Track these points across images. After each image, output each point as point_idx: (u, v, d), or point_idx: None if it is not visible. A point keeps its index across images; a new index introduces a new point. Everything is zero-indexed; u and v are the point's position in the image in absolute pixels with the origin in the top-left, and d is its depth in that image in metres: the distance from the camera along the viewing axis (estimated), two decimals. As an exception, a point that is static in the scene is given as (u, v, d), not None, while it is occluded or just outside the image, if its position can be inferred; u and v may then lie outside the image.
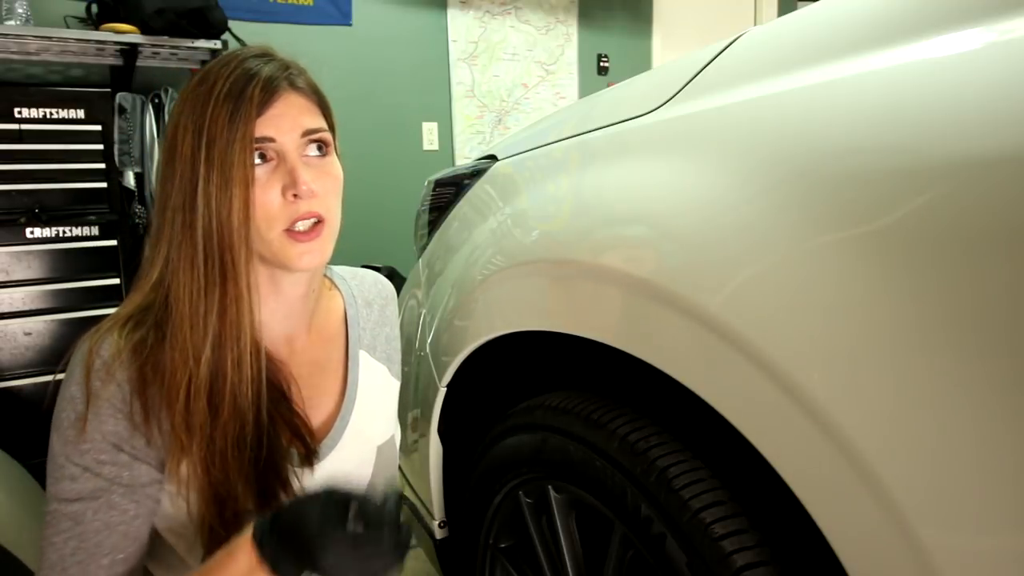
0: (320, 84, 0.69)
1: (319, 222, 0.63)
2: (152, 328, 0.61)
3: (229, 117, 0.59)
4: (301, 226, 0.62)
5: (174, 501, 0.61)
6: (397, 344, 0.85)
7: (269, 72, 0.62)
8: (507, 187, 0.89)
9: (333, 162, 0.66)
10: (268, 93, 0.61)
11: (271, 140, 0.61)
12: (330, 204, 0.64)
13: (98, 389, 0.58)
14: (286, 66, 0.64)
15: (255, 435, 0.61)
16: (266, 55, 0.65)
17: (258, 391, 0.62)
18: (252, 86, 0.60)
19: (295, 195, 0.61)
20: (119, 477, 0.58)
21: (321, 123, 0.65)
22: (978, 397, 0.36)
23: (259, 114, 0.60)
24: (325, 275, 0.78)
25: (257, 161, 0.61)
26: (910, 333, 0.39)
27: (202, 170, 0.59)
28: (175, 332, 0.60)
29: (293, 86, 0.63)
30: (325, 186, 0.64)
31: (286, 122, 0.61)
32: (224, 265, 0.60)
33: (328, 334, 0.76)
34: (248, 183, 0.59)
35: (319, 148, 0.65)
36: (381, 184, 2.90)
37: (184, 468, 0.59)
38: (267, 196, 0.61)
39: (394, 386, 0.83)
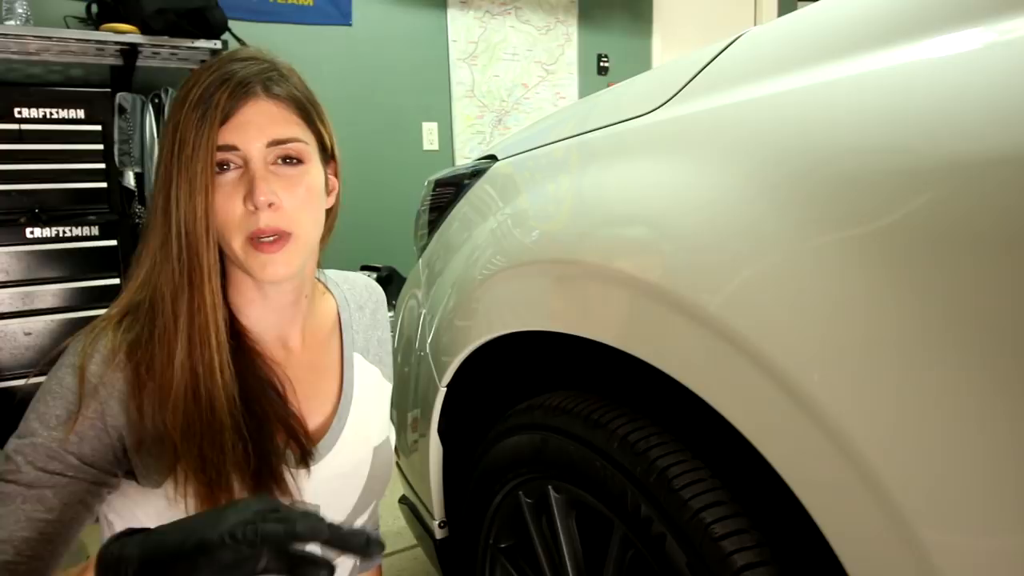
0: (312, 88, 0.67)
1: (287, 235, 0.62)
2: (145, 326, 0.60)
3: (197, 122, 0.58)
4: (265, 238, 0.61)
5: (171, 506, 0.61)
6: (388, 347, 0.85)
7: (243, 77, 0.60)
8: (507, 187, 0.89)
9: (307, 172, 0.64)
10: (236, 99, 0.60)
11: (234, 148, 0.60)
12: (299, 217, 0.63)
13: (89, 392, 0.58)
14: (267, 71, 0.63)
15: (238, 438, 0.61)
16: (251, 58, 0.63)
17: (231, 397, 0.61)
18: (221, 92, 0.59)
19: (254, 206, 0.60)
20: (60, 476, 0.57)
21: (295, 133, 0.63)
22: (979, 398, 0.36)
23: (224, 120, 0.59)
24: (317, 279, 0.78)
25: (221, 169, 0.60)
26: (911, 334, 0.39)
27: (174, 173, 0.59)
28: (160, 333, 0.60)
29: (268, 92, 0.62)
30: (293, 199, 0.62)
31: (252, 130, 0.60)
32: (192, 270, 0.59)
33: (322, 337, 0.76)
34: (209, 190, 0.59)
35: (288, 159, 0.62)
36: (381, 184, 2.90)
37: (180, 471, 0.59)
38: (229, 205, 0.60)
39: (387, 388, 0.83)
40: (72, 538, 0.60)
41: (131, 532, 0.48)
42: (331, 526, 0.46)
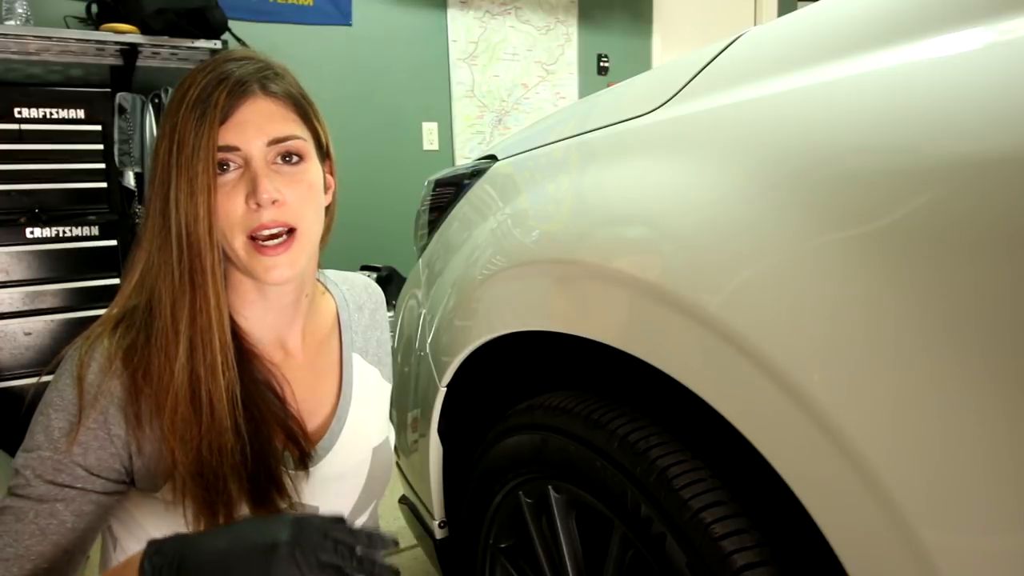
0: (310, 89, 0.67)
1: (291, 232, 0.62)
2: (141, 330, 0.60)
3: (196, 123, 0.58)
4: (268, 239, 0.61)
5: (170, 509, 0.61)
6: (388, 347, 0.85)
7: (240, 76, 0.60)
8: (507, 187, 0.89)
9: (308, 170, 0.64)
10: (234, 98, 0.60)
11: (235, 148, 0.60)
12: (302, 213, 0.63)
13: (88, 402, 0.58)
14: (263, 70, 0.63)
15: (236, 441, 0.61)
16: (246, 58, 0.63)
17: (232, 399, 0.61)
18: (219, 91, 0.59)
19: (257, 204, 0.60)
20: (70, 488, 0.57)
21: (294, 130, 0.63)
22: (979, 398, 0.36)
23: (223, 120, 0.59)
24: (317, 279, 0.78)
25: (222, 169, 0.60)
26: (911, 334, 0.39)
27: (173, 175, 0.58)
28: (157, 336, 0.59)
29: (265, 91, 0.62)
30: (296, 194, 0.62)
31: (251, 129, 0.60)
32: (193, 271, 0.59)
33: (321, 337, 0.76)
34: (211, 190, 0.58)
35: (288, 157, 0.63)
36: (381, 184, 2.90)
37: (178, 476, 0.59)
38: (230, 204, 0.60)
39: (386, 388, 0.83)
40: (89, 545, 0.60)
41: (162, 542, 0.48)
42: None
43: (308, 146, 0.65)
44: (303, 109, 0.66)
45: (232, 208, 0.60)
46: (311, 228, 0.65)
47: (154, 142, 2.19)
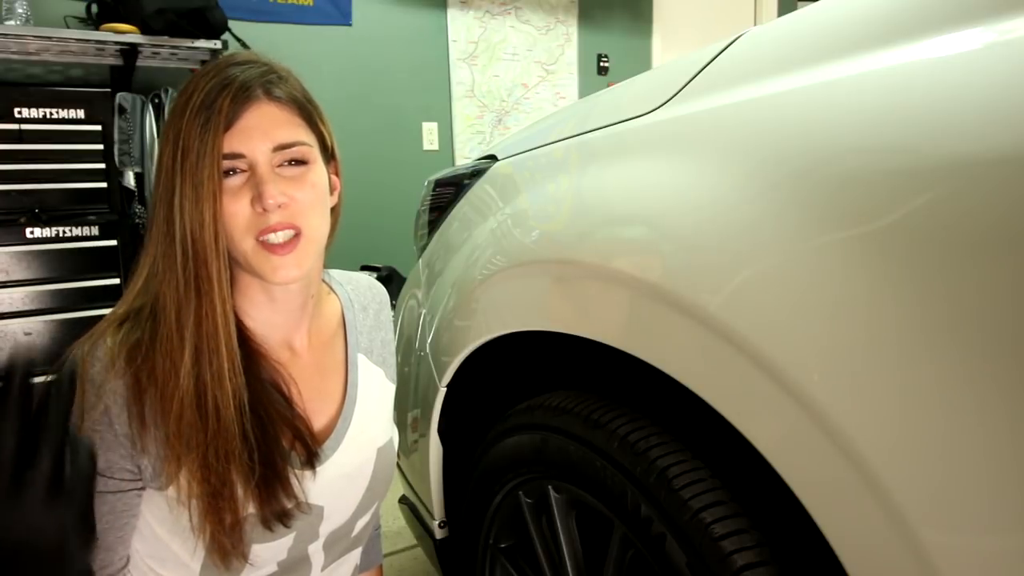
0: (310, 89, 0.67)
1: (297, 234, 0.62)
2: (146, 330, 0.60)
3: (200, 129, 0.58)
4: (275, 238, 0.61)
5: (174, 507, 0.61)
6: (392, 348, 0.85)
7: (244, 81, 0.60)
8: (507, 187, 0.89)
9: (313, 172, 0.64)
10: (238, 104, 0.59)
11: (240, 155, 0.60)
12: (307, 216, 0.63)
13: (91, 403, 0.58)
14: (266, 73, 0.62)
15: (244, 446, 0.60)
16: (249, 62, 0.63)
17: (239, 404, 0.61)
18: (223, 97, 0.59)
19: (263, 208, 0.60)
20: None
21: (298, 135, 0.63)
22: (979, 398, 0.36)
23: (228, 126, 0.59)
24: (322, 280, 0.78)
25: (227, 175, 0.60)
26: (911, 334, 0.39)
27: (177, 181, 0.58)
28: (162, 341, 0.59)
29: (269, 95, 0.62)
30: (302, 198, 0.62)
31: (256, 135, 0.60)
32: (199, 279, 0.59)
33: (326, 338, 0.76)
34: (216, 197, 0.58)
35: (293, 161, 0.63)
36: (381, 184, 2.90)
37: (183, 476, 0.59)
38: (236, 207, 0.60)
39: (390, 389, 0.83)
40: (115, 544, 0.61)
41: None
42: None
43: (313, 151, 0.65)
44: (307, 112, 0.65)
45: (238, 212, 0.60)
46: (317, 229, 0.65)
47: (154, 142, 2.21)
